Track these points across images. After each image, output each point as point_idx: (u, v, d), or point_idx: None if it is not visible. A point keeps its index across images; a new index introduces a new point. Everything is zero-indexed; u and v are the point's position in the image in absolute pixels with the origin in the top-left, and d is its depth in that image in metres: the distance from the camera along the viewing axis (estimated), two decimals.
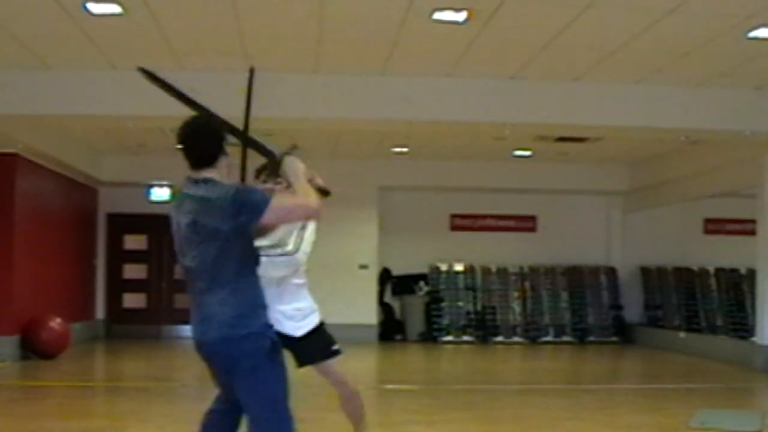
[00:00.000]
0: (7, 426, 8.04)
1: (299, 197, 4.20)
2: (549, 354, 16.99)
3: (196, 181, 4.25)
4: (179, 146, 4.33)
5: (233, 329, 4.13)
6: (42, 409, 9.30)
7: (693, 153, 15.26)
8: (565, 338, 18.67)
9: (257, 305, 4.20)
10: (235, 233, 4.09)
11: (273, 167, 4.60)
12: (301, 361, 5.48)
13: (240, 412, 4.46)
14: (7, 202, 13.46)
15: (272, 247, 5.16)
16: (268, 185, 4.98)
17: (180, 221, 4.31)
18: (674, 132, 12.51)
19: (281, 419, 4.22)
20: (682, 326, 17.77)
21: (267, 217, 4.10)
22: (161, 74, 4.68)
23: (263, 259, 4.48)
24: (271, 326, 4.28)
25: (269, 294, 4.46)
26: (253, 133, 4.76)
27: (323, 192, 4.84)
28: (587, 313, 18.97)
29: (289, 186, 4.45)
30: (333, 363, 5.55)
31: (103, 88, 10.75)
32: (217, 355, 4.27)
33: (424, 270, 18.86)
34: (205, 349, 4.30)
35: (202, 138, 4.30)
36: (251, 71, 4.88)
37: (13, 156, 13.42)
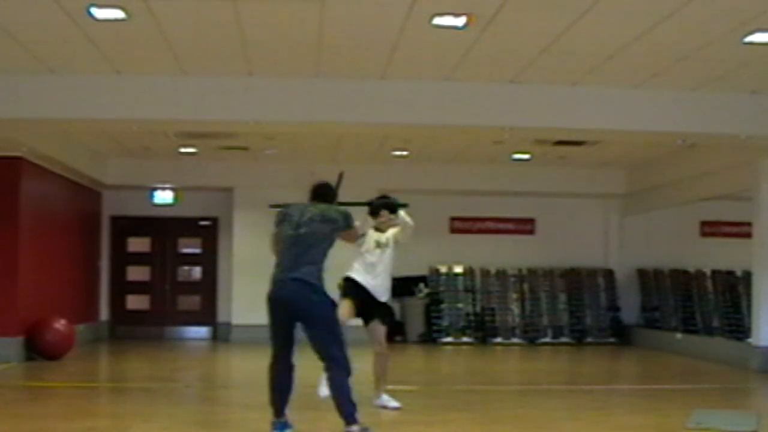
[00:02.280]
0: (13, 426, 8.08)
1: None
2: (547, 355, 17.02)
3: (319, 205, 7.33)
4: (315, 192, 7.46)
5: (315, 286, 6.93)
6: (46, 410, 9.32)
7: (690, 156, 15.30)
8: (563, 339, 18.74)
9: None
10: (343, 227, 7.17)
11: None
12: (374, 316, 8.92)
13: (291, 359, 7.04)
14: (12, 205, 13.51)
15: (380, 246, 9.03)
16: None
17: (304, 212, 7.15)
18: (671, 136, 12.54)
19: (340, 341, 6.95)
20: (678, 327, 17.80)
21: (350, 231, 7.34)
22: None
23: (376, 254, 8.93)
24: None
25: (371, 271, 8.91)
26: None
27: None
28: (585, 314, 19.04)
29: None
30: (383, 328, 9.04)
31: (107, 93, 10.79)
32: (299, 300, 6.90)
33: (424, 272, 18.92)
34: (288, 297, 6.92)
35: (330, 189, 7.57)
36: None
37: (18, 159, 13.50)
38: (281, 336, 6.99)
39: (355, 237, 7.58)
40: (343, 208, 7.28)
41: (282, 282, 6.93)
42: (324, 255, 7.02)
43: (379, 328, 8.97)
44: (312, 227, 7.00)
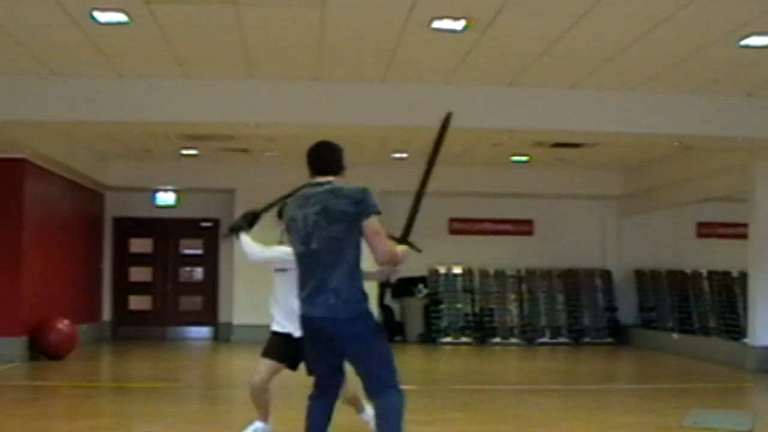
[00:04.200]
0: (16, 425, 8.13)
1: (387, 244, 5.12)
2: (545, 355, 17.09)
3: (320, 184, 5.09)
4: (310, 158, 5.18)
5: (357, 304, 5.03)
6: (50, 409, 9.39)
7: (686, 158, 15.36)
8: (561, 339, 18.81)
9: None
10: (357, 217, 4.92)
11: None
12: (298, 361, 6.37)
13: (333, 397, 5.29)
14: (15, 206, 13.58)
15: None
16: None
17: (307, 213, 5.02)
18: (668, 138, 12.57)
19: (391, 370, 5.15)
20: (675, 328, 17.85)
21: (371, 223, 4.95)
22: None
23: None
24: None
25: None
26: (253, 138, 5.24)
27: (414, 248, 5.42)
28: (583, 314, 19.12)
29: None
30: None
31: (109, 96, 10.85)
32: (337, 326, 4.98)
33: (424, 273, 18.95)
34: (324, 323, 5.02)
35: (333, 152, 5.22)
36: (448, 117, 5.61)
37: (21, 161, 13.57)
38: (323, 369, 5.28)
39: (379, 234, 5.00)
40: (358, 186, 5.06)
41: (312, 320, 5.09)
42: (356, 264, 5.07)
43: None
44: (322, 238, 4.98)
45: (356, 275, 5.01)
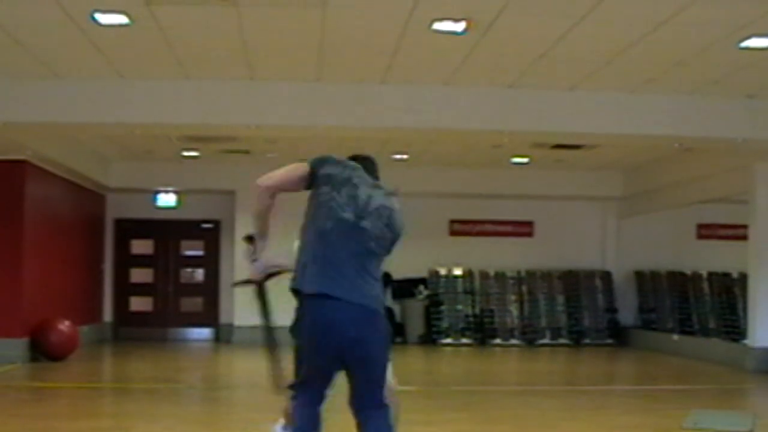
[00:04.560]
0: (17, 426, 8.15)
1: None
2: (545, 356, 17.14)
3: (377, 185, 4.60)
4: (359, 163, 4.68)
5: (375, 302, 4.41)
6: (51, 410, 9.41)
7: (686, 160, 15.35)
8: (562, 341, 18.84)
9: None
10: (387, 251, 4.53)
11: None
12: None
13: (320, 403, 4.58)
14: (16, 207, 13.60)
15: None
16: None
17: (372, 193, 4.47)
18: (668, 139, 12.57)
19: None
20: (675, 329, 17.89)
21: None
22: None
23: None
24: None
25: None
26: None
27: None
28: (583, 316, 19.14)
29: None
30: None
31: (110, 97, 10.85)
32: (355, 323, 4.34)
33: (424, 274, 19.02)
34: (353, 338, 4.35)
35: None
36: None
37: (22, 163, 13.59)
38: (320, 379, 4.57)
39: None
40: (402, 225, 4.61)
41: (335, 309, 4.34)
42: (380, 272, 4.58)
43: None
44: (378, 226, 4.44)
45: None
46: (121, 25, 8.61)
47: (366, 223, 4.38)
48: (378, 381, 4.47)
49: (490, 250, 19.31)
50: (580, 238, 19.65)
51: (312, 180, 4.51)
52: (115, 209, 18.84)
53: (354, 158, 4.76)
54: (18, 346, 13.37)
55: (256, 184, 4.57)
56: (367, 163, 4.77)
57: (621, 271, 19.56)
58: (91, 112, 11.00)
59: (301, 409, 4.56)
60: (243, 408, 9.67)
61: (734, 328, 16.34)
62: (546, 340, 18.82)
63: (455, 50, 9.56)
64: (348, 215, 4.38)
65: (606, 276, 19.48)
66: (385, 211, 4.47)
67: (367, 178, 4.58)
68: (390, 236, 4.46)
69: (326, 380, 4.54)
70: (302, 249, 4.47)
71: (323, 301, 4.32)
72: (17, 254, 13.56)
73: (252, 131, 12.52)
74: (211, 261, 19.16)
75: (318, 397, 4.55)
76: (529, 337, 18.80)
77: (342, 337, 4.32)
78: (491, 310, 18.99)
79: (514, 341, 18.78)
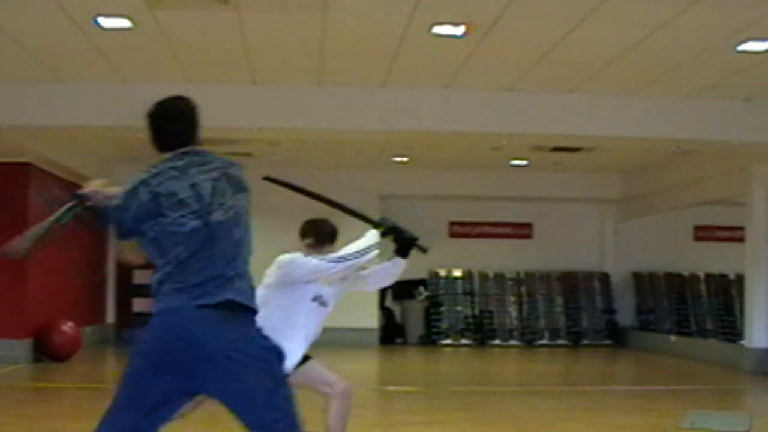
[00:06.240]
0: (21, 427, 8.15)
1: None
2: (544, 357, 17.18)
3: (187, 153, 3.79)
4: (154, 129, 4.01)
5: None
6: (54, 411, 9.43)
7: (684, 163, 15.42)
8: (560, 341, 18.92)
9: None
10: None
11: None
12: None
13: None
14: (20, 209, 13.57)
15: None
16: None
17: (196, 182, 3.67)
18: (666, 142, 12.66)
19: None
20: (673, 330, 17.97)
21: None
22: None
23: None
24: None
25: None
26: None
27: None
28: (581, 317, 19.22)
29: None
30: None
31: (113, 100, 10.86)
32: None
33: (424, 275, 19.06)
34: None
35: (187, 118, 3.92)
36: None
37: (26, 165, 13.60)
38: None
39: None
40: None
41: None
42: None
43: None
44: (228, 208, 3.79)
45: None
46: (123, 29, 8.68)
47: (218, 215, 3.75)
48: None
49: (490, 251, 19.38)
50: (578, 240, 19.71)
51: None
52: None
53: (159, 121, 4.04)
54: (21, 346, 13.38)
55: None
56: (173, 122, 3.99)
57: (619, 273, 19.63)
58: (93, 115, 11.04)
59: None
60: None
61: (731, 329, 16.41)
62: (545, 341, 18.89)
63: (455, 54, 9.63)
64: (210, 217, 3.74)
65: (604, 277, 19.55)
66: (221, 175, 3.81)
67: (175, 170, 3.78)
68: (244, 180, 3.95)
69: None
70: None
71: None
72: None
73: (253, 134, 12.54)
74: None
75: None
76: (528, 337, 18.86)
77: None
78: (490, 311, 19.05)
79: (513, 342, 18.85)
